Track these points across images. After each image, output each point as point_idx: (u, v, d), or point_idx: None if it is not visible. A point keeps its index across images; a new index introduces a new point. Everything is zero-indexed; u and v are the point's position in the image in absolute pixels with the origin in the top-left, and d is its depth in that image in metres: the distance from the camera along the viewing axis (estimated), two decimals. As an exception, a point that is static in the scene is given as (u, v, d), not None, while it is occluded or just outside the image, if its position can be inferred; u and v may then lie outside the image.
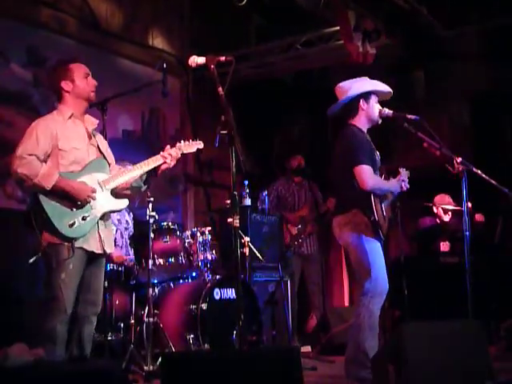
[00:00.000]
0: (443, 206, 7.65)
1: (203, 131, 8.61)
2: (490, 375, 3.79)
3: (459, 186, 4.87)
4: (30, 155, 4.14)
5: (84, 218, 4.20)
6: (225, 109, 3.71)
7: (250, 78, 8.76)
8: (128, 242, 6.14)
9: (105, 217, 4.37)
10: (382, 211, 4.77)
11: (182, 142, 4.76)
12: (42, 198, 4.12)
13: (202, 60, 3.96)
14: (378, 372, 4.02)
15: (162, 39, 8.46)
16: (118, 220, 6.17)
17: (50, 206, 4.12)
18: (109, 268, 5.52)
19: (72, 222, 4.14)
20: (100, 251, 4.32)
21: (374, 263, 4.71)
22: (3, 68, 6.53)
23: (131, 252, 6.02)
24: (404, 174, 5.03)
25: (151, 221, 5.40)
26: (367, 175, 4.67)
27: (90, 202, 4.22)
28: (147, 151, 4.59)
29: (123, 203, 4.48)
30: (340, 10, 7.33)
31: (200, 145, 4.88)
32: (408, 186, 5.04)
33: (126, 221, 6.26)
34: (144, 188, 4.65)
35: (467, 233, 4.86)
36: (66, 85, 4.38)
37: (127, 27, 7.98)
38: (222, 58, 3.94)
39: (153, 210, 5.41)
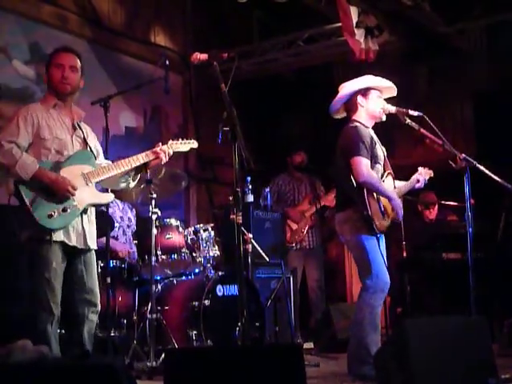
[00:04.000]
0: (446, 203, 7.65)
1: (205, 128, 8.65)
2: (492, 372, 3.79)
3: (462, 183, 4.86)
4: (10, 143, 4.07)
5: (65, 210, 4.10)
6: (227, 105, 3.71)
7: (253, 75, 8.76)
8: (131, 238, 6.14)
9: (88, 210, 4.29)
10: (380, 207, 4.77)
11: (176, 139, 4.72)
12: (21, 187, 4.05)
13: (204, 57, 3.96)
14: (381, 368, 4.02)
15: (164, 36, 8.46)
16: (121, 217, 6.17)
17: (29, 196, 4.04)
18: (112, 265, 5.52)
19: (51, 212, 4.05)
20: (82, 246, 4.23)
21: (374, 260, 4.72)
22: (6, 65, 6.54)
23: (134, 249, 6.02)
24: (423, 172, 5.10)
25: (154, 217, 5.40)
26: (362, 167, 4.68)
27: (68, 197, 4.12)
28: (149, 148, 4.57)
29: (108, 197, 4.42)
30: (342, 6, 7.32)
31: (194, 144, 4.85)
32: (422, 186, 5.10)
33: (129, 217, 6.27)
34: (132, 184, 4.59)
35: (470, 229, 4.86)
36: (45, 76, 4.38)
37: (129, 24, 7.98)
38: (225, 55, 3.95)
39: (155, 207, 5.41)
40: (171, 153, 4.61)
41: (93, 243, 4.33)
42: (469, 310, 4.71)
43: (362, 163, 4.68)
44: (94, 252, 4.37)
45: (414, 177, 5.13)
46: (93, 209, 4.37)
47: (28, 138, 4.16)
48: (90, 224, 4.31)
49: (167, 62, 5.01)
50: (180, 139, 4.78)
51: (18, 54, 6.64)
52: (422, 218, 7.88)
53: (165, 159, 4.55)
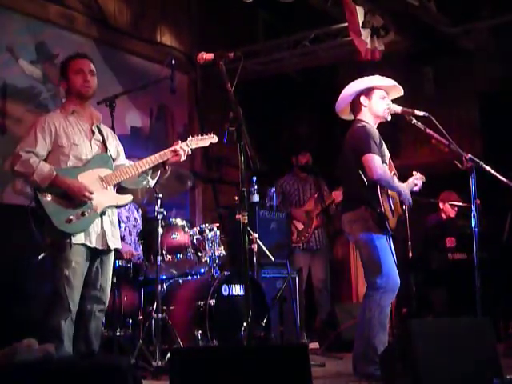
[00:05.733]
0: (451, 203, 7.64)
1: (211, 128, 8.59)
2: (497, 372, 3.79)
3: (467, 183, 4.86)
4: (28, 152, 4.19)
5: (83, 214, 4.21)
6: (233, 105, 3.71)
7: (258, 75, 8.76)
8: (136, 239, 6.14)
9: (109, 212, 4.39)
10: (390, 205, 4.77)
11: (195, 136, 4.76)
12: (39, 194, 4.16)
13: (210, 56, 3.96)
14: (386, 368, 4.02)
15: (170, 36, 8.46)
16: (127, 217, 6.17)
17: (48, 203, 4.15)
18: (117, 264, 5.52)
19: (70, 217, 4.16)
20: (103, 247, 4.33)
21: (385, 260, 4.71)
22: (12, 64, 6.55)
23: (139, 249, 6.02)
24: (418, 176, 5.09)
25: (159, 217, 5.41)
26: (376, 164, 4.67)
27: (86, 202, 4.22)
28: (155, 148, 4.60)
29: (126, 199, 4.49)
30: (348, 5, 7.32)
31: (213, 139, 4.86)
32: (418, 189, 5.10)
33: (135, 218, 6.27)
34: (152, 182, 4.66)
35: (476, 229, 4.85)
36: (62, 83, 4.49)
37: (135, 24, 7.99)
38: (231, 55, 3.94)
39: (161, 207, 5.42)
40: (190, 151, 4.65)
41: (114, 243, 4.42)
42: (474, 310, 4.71)
43: (375, 160, 4.68)
44: (113, 252, 4.47)
45: (412, 180, 5.11)
46: (114, 210, 4.48)
47: (46, 147, 4.28)
48: (111, 225, 4.42)
49: (173, 62, 5.01)
50: (199, 135, 4.80)
51: (24, 53, 6.64)
52: (444, 216, 7.86)
53: (184, 157, 4.60)
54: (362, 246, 4.84)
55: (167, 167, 4.65)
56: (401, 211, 4.94)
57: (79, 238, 4.20)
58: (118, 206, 4.55)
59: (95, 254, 4.33)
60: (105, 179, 4.35)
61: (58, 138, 4.29)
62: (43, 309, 4.21)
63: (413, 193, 5.12)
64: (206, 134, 4.84)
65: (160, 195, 5.41)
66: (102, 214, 4.33)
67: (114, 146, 4.59)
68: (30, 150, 4.20)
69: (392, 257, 4.77)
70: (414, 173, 5.19)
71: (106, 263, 4.42)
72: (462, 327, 3.95)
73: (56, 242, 4.19)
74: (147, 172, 4.58)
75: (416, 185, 5.13)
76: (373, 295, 4.72)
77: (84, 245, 4.22)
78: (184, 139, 4.73)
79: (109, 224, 4.39)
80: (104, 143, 4.48)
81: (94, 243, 4.28)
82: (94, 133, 4.46)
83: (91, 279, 4.33)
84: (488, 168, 4.91)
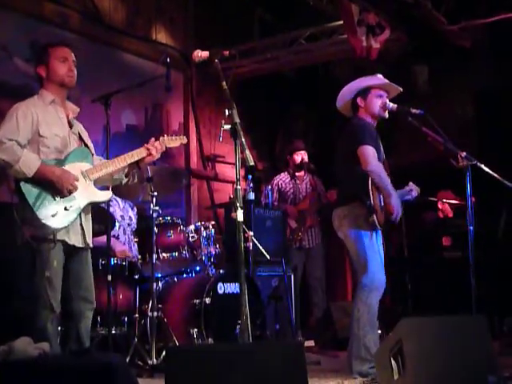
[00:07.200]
0: (450, 201, 7.64)
1: (207, 125, 8.65)
2: (493, 370, 3.79)
3: (463, 181, 4.86)
4: (10, 140, 3.99)
5: (66, 208, 4.07)
6: (229, 103, 3.71)
7: (254, 73, 8.76)
8: (131, 237, 6.13)
9: (86, 209, 4.25)
10: (380, 201, 4.76)
11: (166, 136, 4.71)
12: (23, 185, 3.98)
13: (205, 54, 3.95)
14: (382, 367, 4.02)
15: (165, 33, 8.45)
16: (121, 216, 6.15)
17: (32, 194, 3.98)
18: (113, 262, 5.51)
19: (54, 211, 4.01)
20: (81, 245, 4.23)
21: (371, 258, 4.71)
22: (6, 62, 6.53)
23: (134, 248, 6.01)
24: (414, 188, 5.08)
25: (155, 215, 5.39)
26: (370, 155, 4.67)
27: (72, 192, 4.09)
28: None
29: (106, 195, 4.39)
30: (344, 3, 7.32)
31: (183, 140, 4.84)
32: (412, 198, 5.09)
33: (129, 216, 6.25)
34: (125, 181, 4.57)
35: (471, 227, 4.85)
36: (41, 70, 4.30)
37: (130, 21, 7.97)
38: (226, 53, 3.95)
39: (156, 205, 5.40)
40: (164, 148, 4.61)
41: (90, 241, 4.32)
42: (470, 308, 4.71)
43: (370, 152, 4.68)
44: (89, 250, 4.36)
45: (407, 188, 5.11)
46: (89, 207, 4.33)
47: (27, 136, 4.09)
48: (87, 222, 4.30)
49: (168, 60, 5.00)
50: (171, 135, 4.77)
51: (18, 51, 6.62)
52: (441, 214, 7.87)
53: (157, 155, 4.54)
54: (349, 243, 4.84)
55: (141, 166, 4.59)
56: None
57: (60, 234, 4.07)
58: (99, 203, 4.45)
59: (72, 252, 4.21)
60: (86, 173, 4.23)
61: (40, 127, 4.12)
62: (30, 310, 4.14)
63: (404, 202, 5.10)
64: (193, 135, 4.82)
65: (155, 193, 5.39)
66: (82, 210, 4.20)
67: (87, 141, 4.45)
68: (13, 138, 4.00)
69: (379, 255, 4.76)
70: (411, 183, 5.17)
71: (86, 262, 4.30)
72: (457, 325, 3.94)
73: (37, 237, 4.04)
74: (123, 170, 4.50)
75: (411, 191, 5.09)
76: (359, 294, 4.72)
77: (63, 242, 4.11)
78: (159, 136, 4.70)
79: (85, 221, 4.26)
80: (80, 137, 4.36)
81: (72, 240, 4.16)
82: (71, 125, 4.33)
83: (75, 279, 4.23)
84: (483, 166, 4.91)
